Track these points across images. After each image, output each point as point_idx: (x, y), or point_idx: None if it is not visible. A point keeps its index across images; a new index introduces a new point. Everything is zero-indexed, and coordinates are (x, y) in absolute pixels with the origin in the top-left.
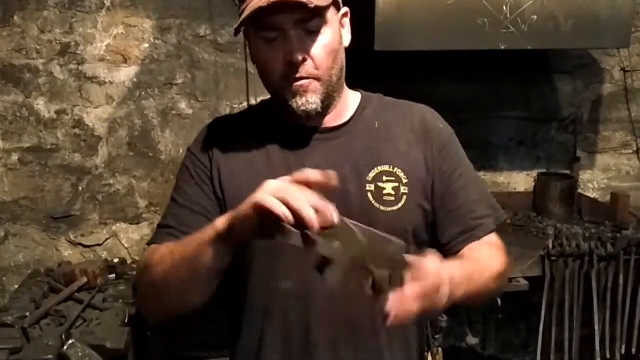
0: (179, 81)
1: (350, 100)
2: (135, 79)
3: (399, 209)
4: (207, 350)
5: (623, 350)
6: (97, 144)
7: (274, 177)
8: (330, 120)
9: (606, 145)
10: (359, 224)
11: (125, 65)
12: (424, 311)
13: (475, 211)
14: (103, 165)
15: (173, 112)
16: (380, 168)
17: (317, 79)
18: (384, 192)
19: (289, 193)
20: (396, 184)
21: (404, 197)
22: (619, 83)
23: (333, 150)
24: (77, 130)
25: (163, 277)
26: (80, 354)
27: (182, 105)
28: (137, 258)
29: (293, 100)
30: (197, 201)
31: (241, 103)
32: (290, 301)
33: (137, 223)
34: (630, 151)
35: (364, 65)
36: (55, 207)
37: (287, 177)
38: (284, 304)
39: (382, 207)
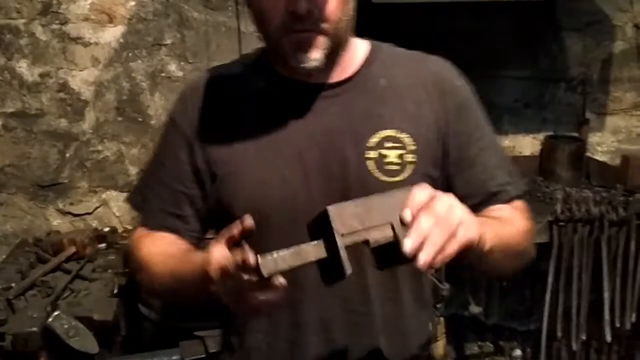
0: (168, 42)
1: (356, 52)
2: (122, 40)
3: (403, 179)
4: (199, 321)
5: (634, 319)
6: (83, 108)
7: (266, 144)
8: (332, 76)
9: (617, 106)
10: (353, 200)
11: (111, 25)
12: (461, 245)
13: (495, 177)
14: (91, 131)
15: (162, 74)
16: (383, 133)
17: (323, 32)
18: (387, 160)
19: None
20: (401, 152)
21: (410, 166)
22: (632, 40)
23: (332, 111)
24: (62, 95)
25: (154, 282)
26: (66, 326)
27: (172, 67)
28: (129, 227)
29: (293, 55)
30: (176, 175)
31: None
32: None
33: (129, 191)
34: None
35: (362, 21)
36: (42, 175)
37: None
38: None
39: (383, 177)
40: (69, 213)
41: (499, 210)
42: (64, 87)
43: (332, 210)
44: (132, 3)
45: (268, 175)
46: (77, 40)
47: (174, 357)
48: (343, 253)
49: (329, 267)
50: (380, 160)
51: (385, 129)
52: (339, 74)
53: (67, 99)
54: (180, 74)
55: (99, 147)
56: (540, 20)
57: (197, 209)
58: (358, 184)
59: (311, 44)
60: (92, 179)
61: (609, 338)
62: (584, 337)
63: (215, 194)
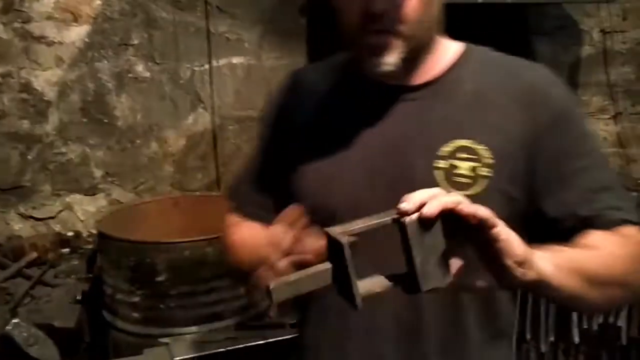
0: (135, 42)
1: (444, 55)
2: (87, 40)
3: (474, 194)
4: (166, 327)
5: (601, 320)
6: (47, 109)
7: (338, 142)
8: (416, 78)
9: (584, 110)
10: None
11: (76, 24)
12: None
13: (593, 201)
14: (54, 133)
15: (129, 75)
16: (458, 142)
17: (400, 35)
18: (457, 171)
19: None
20: (475, 164)
21: (483, 180)
22: (598, 45)
23: (407, 115)
24: (24, 95)
25: (239, 264)
26: (25, 334)
27: (139, 68)
28: (93, 231)
29: (367, 58)
30: (269, 166)
31: (202, 65)
32: None
33: (93, 194)
34: (608, 116)
35: None
36: (3, 177)
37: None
38: None
39: (450, 190)
40: (31, 217)
41: (592, 237)
42: (26, 87)
43: (347, 246)
44: (98, 2)
45: (335, 173)
46: (40, 39)
47: None
48: (355, 289)
49: (344, 291)
50: (450, 172)
51: (461, 138)
52: (421, 77)
53: (30, 100)
54: (148, 74)
55: (63, 149)
56: (511, 24)
57: (283, 200)
58: None
59: (386, 47)
60: (55, 182)
61: (576, 339)
62: (552, 339)
63: (290, 186)
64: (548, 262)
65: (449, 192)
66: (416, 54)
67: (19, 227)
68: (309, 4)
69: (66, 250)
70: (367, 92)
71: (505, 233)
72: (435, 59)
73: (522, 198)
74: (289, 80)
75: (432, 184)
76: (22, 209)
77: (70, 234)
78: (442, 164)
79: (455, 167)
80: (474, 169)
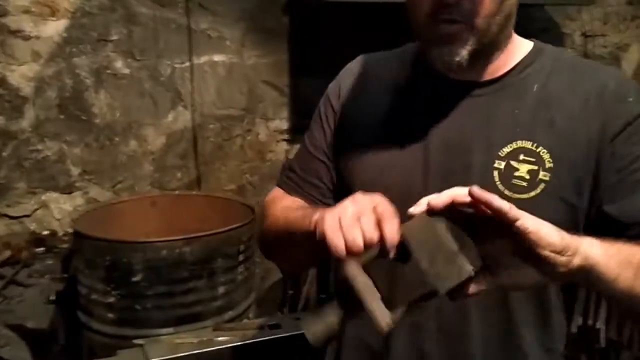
0: (114, 37)
1: (514, 53)
2: (65, 34)
3: (530, 198)
4: (142, 328)
5: (580, 322)
6: (23, 105)
7: (396, 133)
8: (483, 74)
9: None
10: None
11: (54, 18)
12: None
13: None
14: (30, 129)
15: (108, 71)
16: (519, 144)
17: (472, 27)
18: (516, 174)
19: (347, 222)
20: (535, 167)
21: (542, 185)
22: (580, 48)
23: (470, 112)
24: (0, 90)
25: (275, 239)
26: None
27: (118, 64)
28: (69, 230)
29: (436, 48)
30: (321, 146)
31: (183, 63)
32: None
33: (70, 193)
34: None
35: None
36: None
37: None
38: None
39: (507, 192)
40: (5, 215)
41: None
42: (1, 82)
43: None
44: None
45: (390, 164)
46: (16, 33)
47: None
48: (378, 313)
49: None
50: (508, 173)
51: (523, 139)
52: (489, 73)
53: (5, 95)
54: (127, 71)
55: (39, 146)
56: None
57: (334, 182)
58: None
59: (456, 38)
60: (31, 180)
61: None
62: None
63: (342, 172)
64: (597, 248)
65: (504, 193)
66: (486, 49)
67: None
68: (291, 2)
69: (41, 249)
70: (433, 86)
71: (533, 224)
72: (505, 56)
73: (582, 204)
74: (356, 64)
75: (489, 183)
76: None
77: (45, 232)
78: (500, 164)
79: (514, 168)
80: (532, 172)
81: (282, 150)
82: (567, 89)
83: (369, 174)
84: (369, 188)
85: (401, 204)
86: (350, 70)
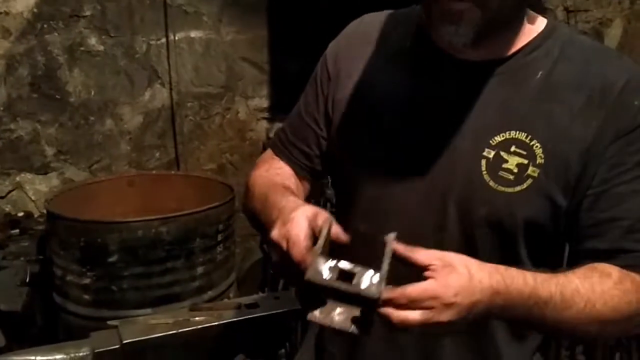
0: (87, 13)
1: (523, 34)
2: (35, 10)
3: (514, 192)
4: (119, 310)
5: None
6: None
7: (388, 106)
8: (487, 54)
9: None
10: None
11: None
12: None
13: (629, 237)
14: (2, 109)
15: (82, 48)
16: (512, 134)
17: (479, 4)
18: (504, 166)
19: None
20: (525, 161)
21: (529, 180)
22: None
23: (467, 93)
24: None
25: (253, 213)
26: None
27: (92, 41)
28: (44, 212)
29: (439, 25)
30: (312, 112)
31: (159, 39)
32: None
33: (45, 173)
34: None
35: None
36: None
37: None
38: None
39: (491, 183)
40: None
41: (597, 270)
42: None
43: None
44: None
45: (376, 139)
46: None
47: (83, 349)
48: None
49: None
50: (496, 164)
51: (517, 129)
52: (494, 54)
53: None
54: (102, 48)
55: (12, 126)
56: None
57: (322, 150)
58: (463, 181)
59: (462, 15)
60: (4, 160)
61: None
62: None
63: (332, 141)
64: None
65: (489, 184)
66: (492, 28)
67: None
68: None
69: (16, 231)
70: (434, 62)
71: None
72: (514, 36)
73: (569, 208)
74: (358, 25)
75: (475, 171)
76: None
77: (20, 214)
78: (490, 153)
79: (503, 159)
80: (521, 166)
81: (262, 129)
82: (572, 81)
83: (354, 149)
84: (357, 163)
85: (382, 178)
86: (352, 32)
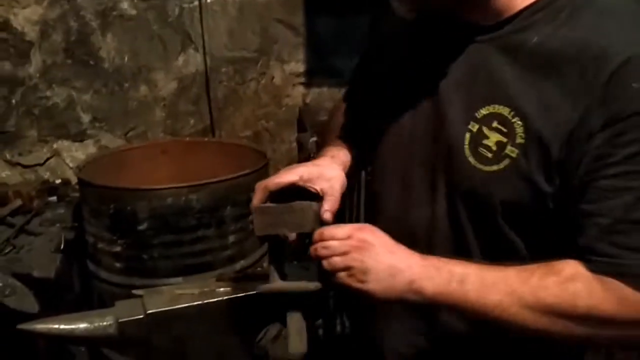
0: None
1: None
2: None
3: (492, 172)
4: (150, 278)
5: None
6: (29, 50)
7: (403, 73)
8: (488, 16)
9: None
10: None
11: None
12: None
13: (625, 233)
14: (38, 75)
15: (114, 13)
16: (496, 108)
17: None
18: (484, 142)
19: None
20: (504, 139)
21: (506, 160)
22: None
23: (465, 61)
24: (4, 35)
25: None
26: (1, 284)
27: (124, 5)
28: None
29: None
30: (362, 76)
31: (192, 2)
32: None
33: (82, 140)
34: None
35: None
36: None
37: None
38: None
39: (471, 159)
40: (18, 164)
41: (549, 265)
42: (5, 26)
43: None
44: None
45: (389, 107)
46: None
47: (107, 318)
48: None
49: None
50: (477, 138)
51: (502, 103)
52: (494, 16)
53: (10, 40)
54: (134, 12)
55: (48, 93)
56: None
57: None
58: (447, 152)
59: None
60: (41, 128)
61: None
62: None
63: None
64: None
65: (468, 160)
66: None
67: (6, 174)
68: None
69: (53, 198)
70: (437, 27)
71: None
72: None
73: (551, 189)
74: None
75: (459, 145)
76: (8, 156)
77: (58, 181)
78: (474, 127)
79: (484, 135)
80: (500, 144)
81: (298, 95)
82: (569, 52)
83: (369, 113)
84: (372, 125)
85: (389, 143)
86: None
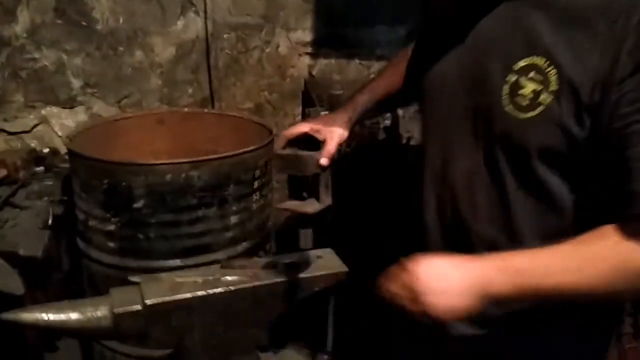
0: None
1: None
2: None
3: (526, 118)
4: (145, 259)
5: None
6: (15, 7)
7: (443, 29)
8: None
9: None
10: None
11: None
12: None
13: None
14: (25, 35)
15: None
16: (534, 59)
17: None
18: (520, 91)
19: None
20: (539, 87)
21: (541, 107)
22: None
23: (502, 17)
24: None
25: None
26: None
27: None
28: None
29: None
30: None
31: None
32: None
33: (72, 107)
34: None
35: None
36: None
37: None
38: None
39: (508, 108)
40: (3, 130)
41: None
42: None
43: None
44: None
45: (433, 60)
46: None
47: (101, 309)
48: None
49: None
50: (514, 88)
51: (538, 54)
52: None
53: None
54: None
55: (36, 55)
56: None
57: None
58: (487, 103)
59: None
60: (28, 92)
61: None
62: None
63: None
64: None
65: (505, 110)
66: None
67: None
68: None
69: (40, 168)
70: None
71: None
72: None
73: (582, 134)
74: None
75: (497, 94)
76: None
77: (46, 150)
78: (512, 78)
79: (520, 85)
80: (535, 92)
81: (304, 66)
82: (598, 6)
83: (419, 63)
84: (421, 75)
85: (437, 104)
86: None
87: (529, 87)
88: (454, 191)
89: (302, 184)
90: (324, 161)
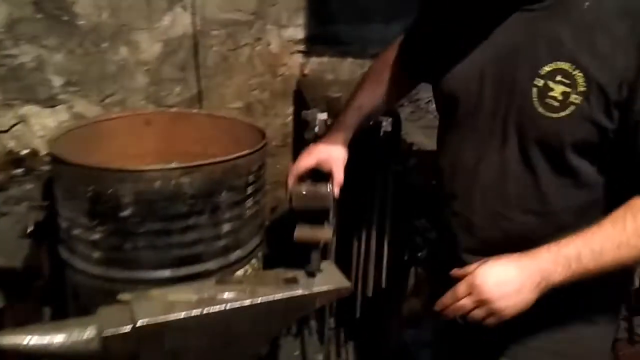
0: None
1: None
2: None
3: (559, 118)
4: (133, 270)
5: None
6: None
7: (465, 42)
8: None
9: None
10: None
11: None
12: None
13: None
14: (3, 31)
15: None
16: (559, 64)
17: None
18: (550, 94)
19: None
20: (567, 89)
21: (572, 107)
22: None
23: (522, 27)
24: None
25: None
26: None
27: None
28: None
29: None
30: (422, 26)
31: None
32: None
33: (53, 106)
34: None
35: None
36: None
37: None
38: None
39: (540, 109)
40: None
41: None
42: None
43: None
44: None
45: (455, 68)
46: None
47: (89, 330)
48: None
49: None
50: (544, 91)
51: (563, 60)
52: None
53: None
54: None
55: (13, 51)
56: None
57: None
58: (517, 106)
59: None
60: (6, 90)
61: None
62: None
63: (430, 61)
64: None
65: (538, 111)
66: None
67: None
68: None
69: (19, 171)
70: (495, 3)
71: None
72: None
73: (612, 124)
74: None
75: (527, 98)
76: None
77: (25, 152)
78: (540, 82)
79: (549, 88)
80: (565, 93)
81: (296, 64)
82: (617, 10)
83: (443, 73)
84: (441, 83)
85: (465, 103)
86: None
87: (558, 90)
88: (483, 189)
89: (312, 212)
90: (337, 192)
